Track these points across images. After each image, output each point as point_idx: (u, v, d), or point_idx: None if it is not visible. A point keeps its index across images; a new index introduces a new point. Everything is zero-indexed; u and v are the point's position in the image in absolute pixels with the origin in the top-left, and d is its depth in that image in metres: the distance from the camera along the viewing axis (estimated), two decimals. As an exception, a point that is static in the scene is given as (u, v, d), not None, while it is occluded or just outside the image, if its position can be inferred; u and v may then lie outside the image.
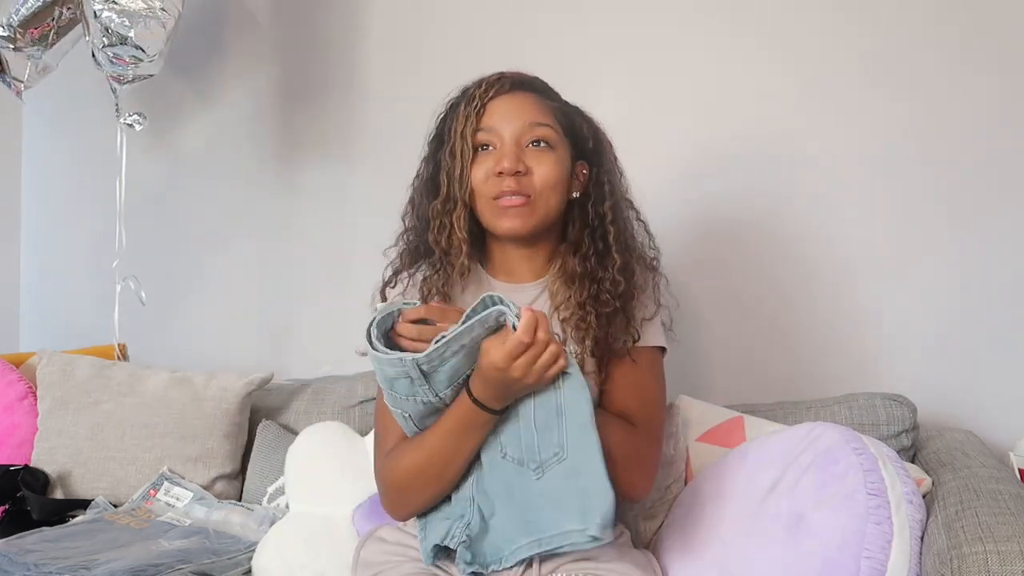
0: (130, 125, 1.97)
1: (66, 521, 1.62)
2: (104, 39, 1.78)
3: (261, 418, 1.80)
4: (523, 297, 1.18)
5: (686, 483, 1.33)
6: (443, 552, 1.08)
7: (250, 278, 2.25)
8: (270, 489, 1.67)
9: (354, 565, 1.18)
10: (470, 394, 0.99)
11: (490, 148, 1.12)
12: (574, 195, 1.17)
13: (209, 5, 2.15)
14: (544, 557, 1.07)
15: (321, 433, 1.59)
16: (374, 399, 1.25)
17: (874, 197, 1.62)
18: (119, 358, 2.03)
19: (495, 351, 0.93)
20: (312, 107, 2.15)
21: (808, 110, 1.67)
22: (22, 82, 1.97)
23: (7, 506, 1.63)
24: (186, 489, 1.68)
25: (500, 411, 1.00)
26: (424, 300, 1.14)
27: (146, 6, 1.76)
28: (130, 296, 2.02)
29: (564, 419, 0.98)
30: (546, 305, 1.17)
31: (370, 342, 0.97)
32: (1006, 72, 1.54)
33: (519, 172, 1.09)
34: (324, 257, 2.14)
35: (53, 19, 1.89)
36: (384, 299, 1.19)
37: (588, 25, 1.84)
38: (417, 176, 1.21)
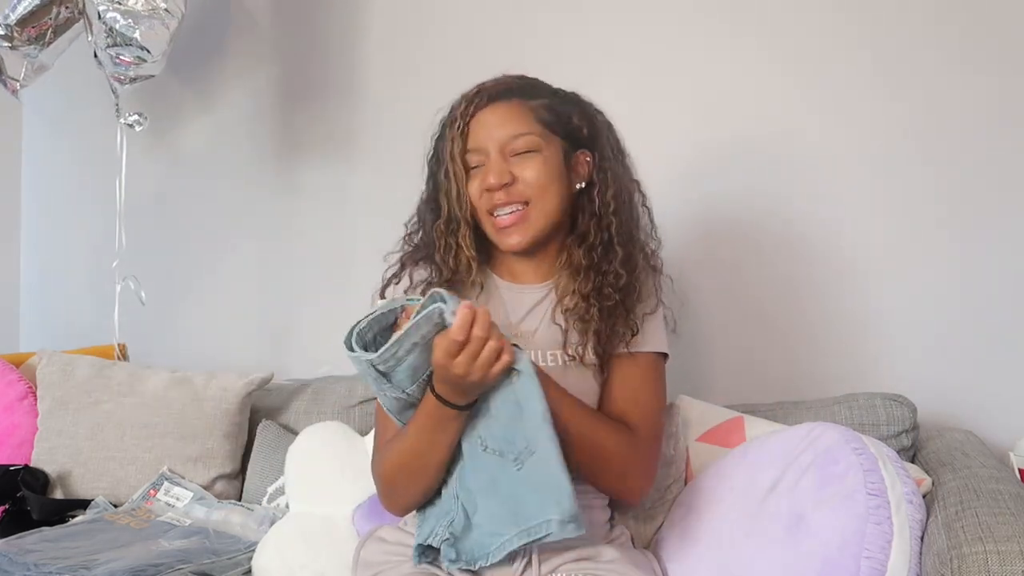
0: (130, 125, 1.97)
1: (66, 521, 1.62)
2: (108, 39, 1.79)
3: (261, 418, 1.80)
4: (529, 298, 1.18)
5: (686, 483, 1.33)
6: (431, 551, 1.08)
7: (250, 278, 2.25)
8: (270, 489, 1.67)
9: (354, 565, 1.18)
10: (432, 390, 0.99)
11: (479, 165, 1.14)
12: (579, 186, 1.17)
13: (209, 5, 2.15)
14: (544, 557, 1.07)
15: (321, 433, 1.59)
16: (374, 398, 1.26)
17: (874, 197, 1.62)
18: (119, 358, 2.03)
19: (438, 348, 0.94)
20: (312, 107, 2.15)
21: (808, 110, 1.67)
22: (18, 81, 1.96)
23: (7, 506, 1.63)
24: (186, 489, 1.68)
25: (466, 406, 0.99)
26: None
27: (151, 7, 1.76)
28: (130, 296, 2.02)
29: (524, 413, 0.98)
30: (551, 306, 1.17)
31: (349, 338, 0.97)
32: (1006, 72, 1.54)
33: (506, 184, 1.11)
34: (324, 257, 2.14)
35: (51, 18, 1.88)
36: (383, 298, 1.19)
37: (588, 25, 1.84)
38: (421, 196, 1.22)
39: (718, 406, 1.45)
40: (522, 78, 1.19)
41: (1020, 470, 1.36)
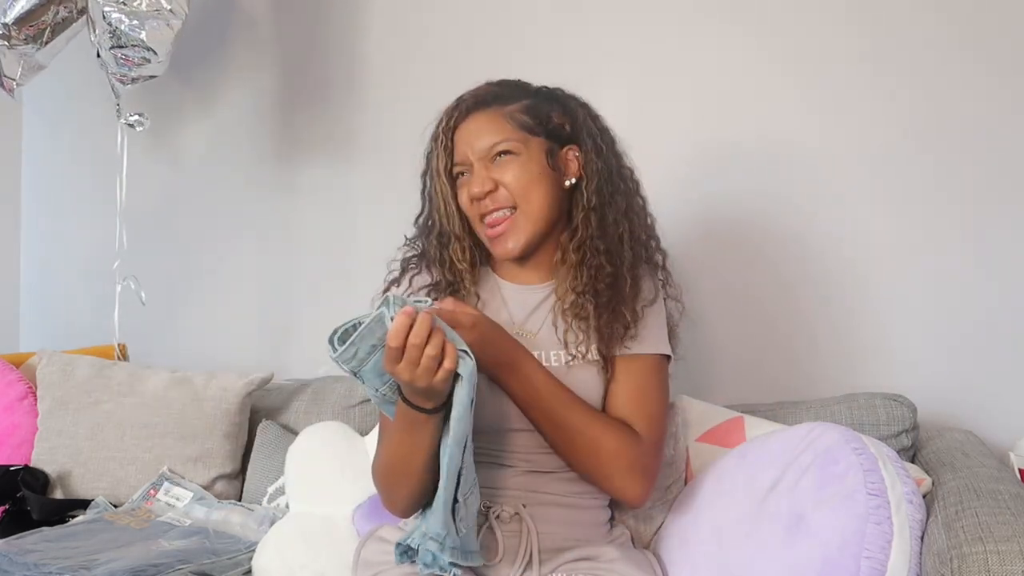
0: (131, 125, 1.97)
1: (66, 521, 1.62)
2: (111, 39, 1.79)
3: (261, 418, 1.80)
4: (531, 299, 1.19)
5: (686, 483, 1.33)
6: (410, 552, 1.06)
7: (250, 278, 2.25)
8: (270, 489, 1.67)
9: (354, 565, 1.18)
10: (400, 393, 0.99)
11: (465, 175, 1.16)
12: (569, 182, 1.17)
13: (209, 6, 2.15)
14: (544, 557, 1.07)
15: (321, 433, 1.59)
16: (374, 399, 1.26)
17: (874, 197, 1.62)
18: (119, 358, 2.03)
19: (385, 355, 0.93)
20: (312, 108, 2.15)
21: (808, 110, 1.67)
22: (14, 80, 1.96)
23: (7, 506, 1.63)
24: (186, 489, 1.68)
25: (433, 410, 0.97)
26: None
27: (156, 8, 1.76)
28: (130, 296, 2.02)
29: (451, 423, 0.97)
30: (552, 306, 1.17)
31: (332, 336, 0.95)
32: (1007, 71, 1.54)
33: (489, 191, 1.13)
34: (324, 257, 2.14)
35: (48, 17, 1.88)
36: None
37: (588, 25, 1.84)
38: (420, 210, 1.24)
39: (718, 406, 1.45)
40: (501, 83, 1.19)
41: (1020, 470, 1.36)
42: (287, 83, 2.19)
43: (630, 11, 1.80)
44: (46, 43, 1.93)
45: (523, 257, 1.18)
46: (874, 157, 1.62)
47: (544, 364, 1.11)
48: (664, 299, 1.21)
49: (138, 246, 2.08)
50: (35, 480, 1.68)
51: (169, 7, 1.79)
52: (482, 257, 1.22)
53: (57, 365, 1.81)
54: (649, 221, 1.23)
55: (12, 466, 1.69)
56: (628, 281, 1.14)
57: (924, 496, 1.11)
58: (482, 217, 1.15)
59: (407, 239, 1.25)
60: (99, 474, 1.72)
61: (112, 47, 1.81)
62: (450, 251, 1.18)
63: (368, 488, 1.40)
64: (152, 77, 1.91)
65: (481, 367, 1.00)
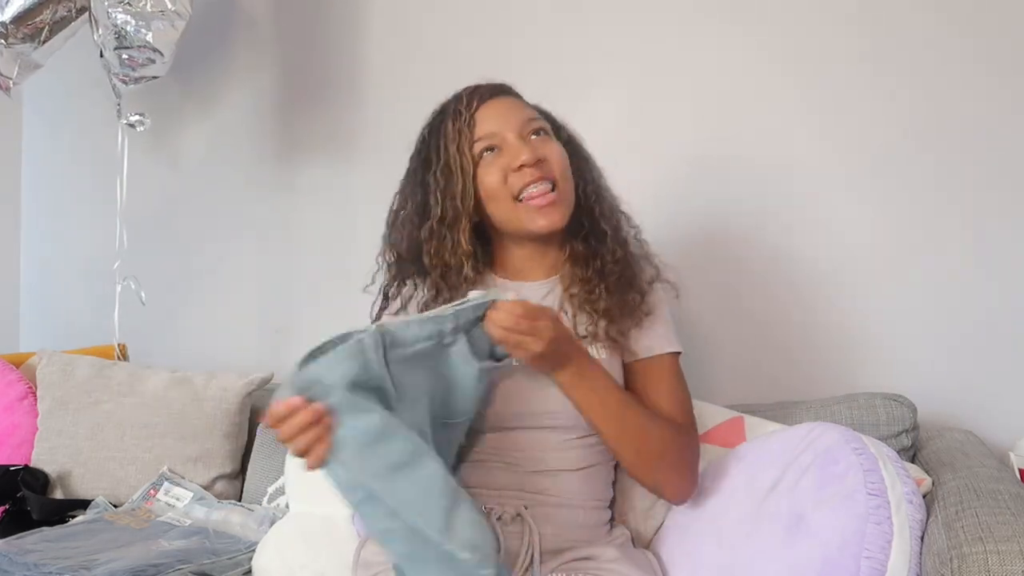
0: (132, 125, 1.97)
1: (66, 521, 1.62)
2: (116, 40, 1.79)
3: (261, 418, 1.80)
4: (533, 295, 1.17)
5: (686, 483, 1.33)
6: None
7: (250, 278, 2.25)
8: (270, 489, 1.67)
9: (354, 565, 1.18)
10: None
11: (496, 150, 1.12)
12: None
13: (210, 6, 2.15)
14: (545, 557, 1.07)
15: (321, 433, 1.59)
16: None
17: (874, 197, 1.62)
18: (119, 358, 2.04)
19: None
20: (312, 107, 2.15)
21: (808, 110, 1.66)
22: (11, 79, 1.96)
23: (7, 506, 1.63)
24: (186, 489, 1.68)
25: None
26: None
27: (161, 9, 1.77)
28: (130, 296, 2.02)
29: None
30: (555, 300, 1.17)
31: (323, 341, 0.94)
32: (1007, 71, 1.54)
33: (540, 160, 1.10)
34: (324, 257, 2.14)
35: (47, 16, 1.88)
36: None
37: (588, 25, 1.84)
38: (394, 212, 1.20)
39: (718, 406, 1.45)
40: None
41: (1020, 470, 1.36)
42: (287, 83, 2.19)
43: (630, 11, 1.80)
44: (44, 42, 1.92)
45: (543, 241, 1.16)
46: (874, 157, 1.62)
47: None
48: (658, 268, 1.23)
49: (138, 246, 2.08)
50: (35, 480, 1.68)
51: (174, 8, 1.79)
52: (478, 255, 1.18)
53: (57, 365, 1.81)
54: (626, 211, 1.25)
55: (12, 466, 1.69)
56: (633, 259, 1.18)
57: (924, 496, 1.11)
58: (521, 191, 1.10)
59: (378, 261, 1.20)
60: (99, 474, 1.72)
61: (117, 48, 1.81)
62: (456, 231, 1.11)
63: (368, 488, 1.40)
64: (155, 78, 1.91)
65: (546, 366, 1.02)
